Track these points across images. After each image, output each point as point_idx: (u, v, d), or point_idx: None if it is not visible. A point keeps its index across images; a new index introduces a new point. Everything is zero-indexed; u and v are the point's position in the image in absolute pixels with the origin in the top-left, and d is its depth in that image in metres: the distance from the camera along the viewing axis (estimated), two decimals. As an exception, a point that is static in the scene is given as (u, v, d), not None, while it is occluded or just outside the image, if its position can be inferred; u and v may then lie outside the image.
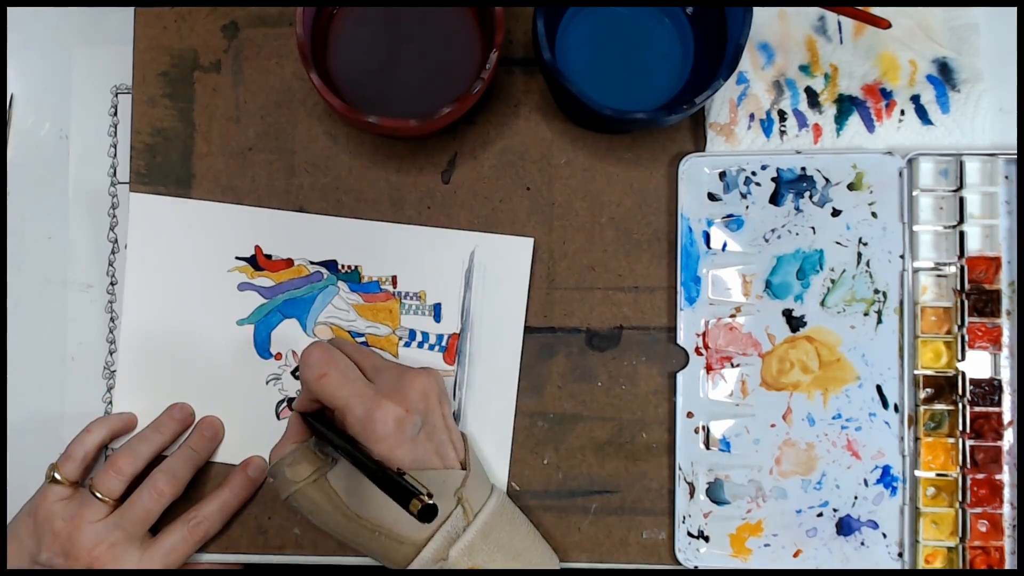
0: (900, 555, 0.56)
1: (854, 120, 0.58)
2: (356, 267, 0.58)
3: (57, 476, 0.55)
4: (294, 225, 0.58)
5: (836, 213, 0.57)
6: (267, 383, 0.58)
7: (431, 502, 0.45)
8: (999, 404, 0.56)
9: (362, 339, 0.58)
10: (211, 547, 0.57)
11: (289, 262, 0.58)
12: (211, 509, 0.56)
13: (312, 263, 0.58)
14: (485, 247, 0.58)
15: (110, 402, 0.59)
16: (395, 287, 0.58)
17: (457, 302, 0.57)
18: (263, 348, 0.58)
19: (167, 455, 0.56)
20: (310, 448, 0.53)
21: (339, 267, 0.58)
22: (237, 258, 0.58)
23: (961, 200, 0.56)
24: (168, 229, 0.58)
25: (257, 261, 0.58)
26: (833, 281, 0.57)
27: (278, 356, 0.58)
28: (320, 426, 0.52)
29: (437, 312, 0.57)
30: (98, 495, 0.54)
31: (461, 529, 0.50)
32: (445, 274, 0.57)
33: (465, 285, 0.57)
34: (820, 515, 0.56)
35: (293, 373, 0.58)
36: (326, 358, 0.51)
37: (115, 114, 0.61)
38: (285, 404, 0.58)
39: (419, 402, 0.51)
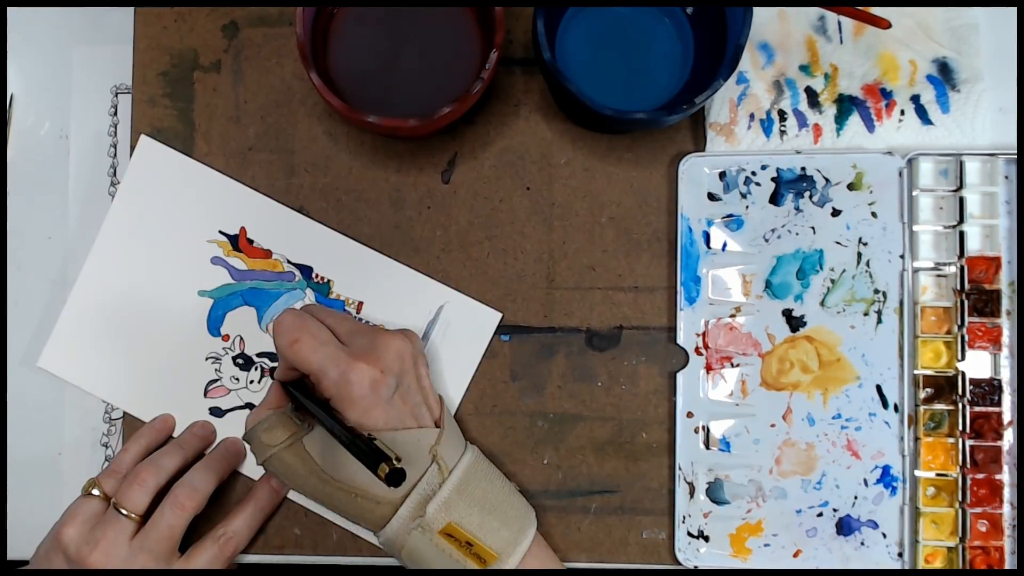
0: (900, 555, 0.56)
1: (854, 120, 0.58)
2: (328, 280, 0.58)
3: (95, 492, 0.53)
4: (287, 222, 0.58)
5: (836, 213, 0.57)
6: (206, 359, 0.58)
7: (399, 466, 0.46)
8: (999, 404, 0.56)
9: None
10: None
11: (268, 253, 0.58)
12: (239, 524, 0.55)
13: (289, 262, 0.58)
14: (454, 306, 0.58)
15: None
16: (358, 312, 0.58)
17: None
18: (215, 325, 0.58)
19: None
20: (287, 414, 0.53)
21: (313, 275, 0.58)
22: (220, 232, 0.58)
23: (961, 200, 0.56)
24: (165, 183, 0.58)
25: (238, 241, 0.58)
26: (833, 281, 0.57)
27: (225, 337, 0.58)
28: (295, 392, 0.52)
29: None
30: (123, 511, 0.52)
31: (437, 486, 0.50)
32: (409, 317, 0.58)
33: (424, 334, 0.57)
34: (820, 515, 0.56)
35: (235, 359, 0.58)
36: (298, 324, 0.51)
37: (115, 114, 0.61)
38: (267, 375, 0.58)
39: (394, 363, 0.51)
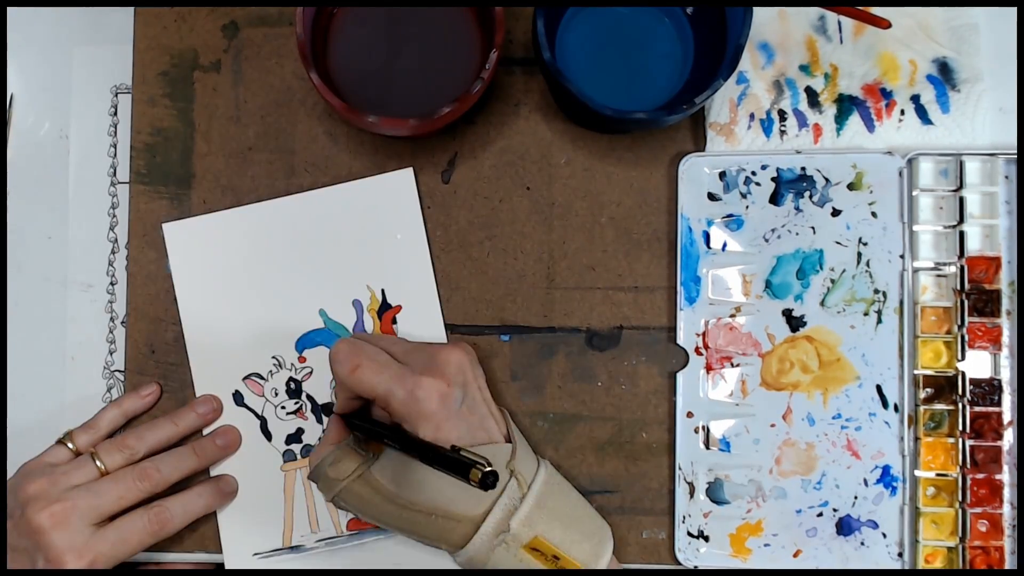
0: (900, 555, 0.56)
1: (854, 120, 0.58)
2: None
3: (70, 445, 0.55)
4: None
5: (836, 213, 0.57)
6: (272, 357, 0.58)
7: (491, 468, 0.45)
8: (999, 404, 0.56)
9: None
10: (210, 547, 0.57)
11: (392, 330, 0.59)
12: (176, 506, 0.54)
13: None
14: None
15: (110, 401, 0.59)
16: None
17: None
18: (303, 344, 0.58)
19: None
20: (350, 446, 0.52)
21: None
22: (370, 287, 0.58)
23: (961, 200, 0.56)
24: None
25: (385, 312, 0.58)
26: (833, 281, 0.57)
27: (302, 359, 0.58)
28: (364, 422, 0.52)
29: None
30: (98, 462, 0.53)
31: (518, 500, 0.50)
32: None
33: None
34: (820, 515, 0.56)
35: (289, 380, 0.58)
36: (355, 350, 0.50)
37: (115, 114, 0.61)
38: (313, 409, 0.58)
39: (457, 375, 0.50)
